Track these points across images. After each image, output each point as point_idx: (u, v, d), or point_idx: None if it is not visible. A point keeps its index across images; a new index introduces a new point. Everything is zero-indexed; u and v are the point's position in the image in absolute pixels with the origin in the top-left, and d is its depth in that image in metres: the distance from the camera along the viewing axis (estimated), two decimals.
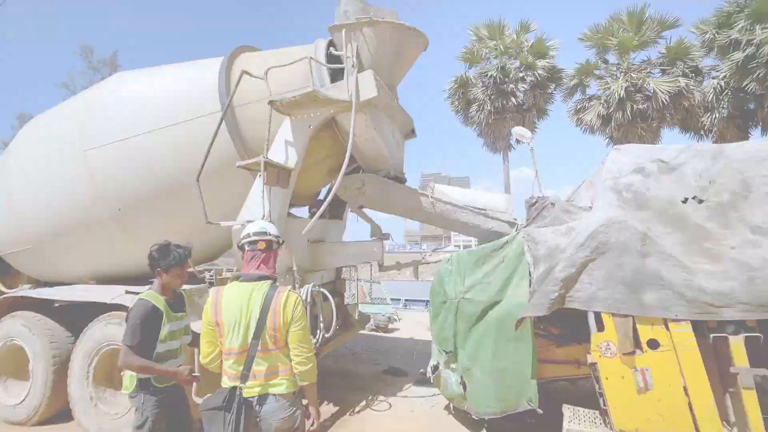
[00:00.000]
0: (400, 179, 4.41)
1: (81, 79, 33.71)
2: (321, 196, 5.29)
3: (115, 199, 3.98)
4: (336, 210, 5.02)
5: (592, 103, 17.75)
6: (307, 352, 2.24)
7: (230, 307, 2.19)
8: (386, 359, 6.21)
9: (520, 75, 18.59)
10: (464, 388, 3.63)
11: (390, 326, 8.15)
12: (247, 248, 2.34)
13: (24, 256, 4.93)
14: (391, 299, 9.99)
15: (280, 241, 2.44)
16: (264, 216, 3.59)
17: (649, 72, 17.17)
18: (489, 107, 18.91)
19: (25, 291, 4.44)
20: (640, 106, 16.46)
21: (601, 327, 2.69)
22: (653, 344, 2.54)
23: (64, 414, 4.17)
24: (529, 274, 3.23)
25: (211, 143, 3.51)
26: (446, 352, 3.76)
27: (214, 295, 2.28)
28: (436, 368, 3.99)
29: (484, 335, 3.42)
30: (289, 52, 4.25)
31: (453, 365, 3.75)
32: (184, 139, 3.82)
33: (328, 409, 4.44)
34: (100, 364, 3.93)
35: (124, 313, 3.65)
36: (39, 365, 4.18)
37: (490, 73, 18.64)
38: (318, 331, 4.03)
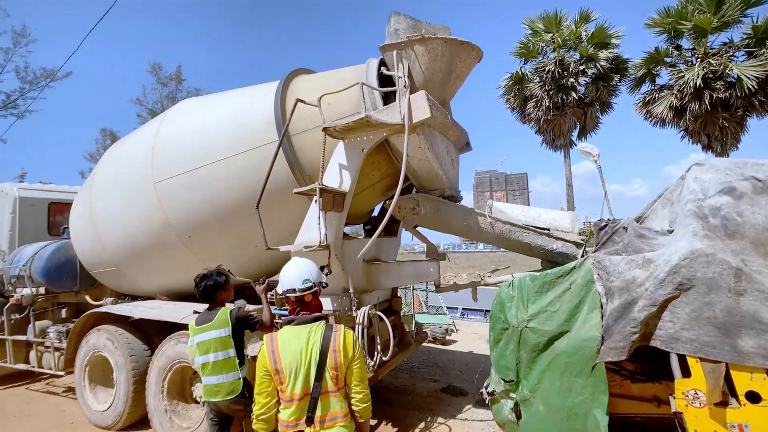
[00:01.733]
0: (456, 198, 4.28)
1: (152, 95, 36.58)
2: (375, 212, 5.29)
3: (185, 226, 4.23)
4: (390, 226, 4.98)
5: (663, 93, 16.36)
6: (366, 389, 2.25)
7: (289, 351, 2.17)
8: (444, 376, 6.09)
9: (581, 68, 17.55)
10: (518, 416, 3.45)
11: (447, 338, 8.00)
12: (293, 299, 2.36)
13: (107, 275, 5.39)
14: (448, 308, 9.79)
15: (324, 284, 2.49)
16: (320, 240, 3.63)
17: (732, 56, 15.52)
18: (547, 103, 18.05)
19: (107, 307, 4.84)
20: (721, 95, 14.92)
21: (686, 372, 2.41)
22: (754, 397, 2.24)
23: (146, 421, 4.48)
24: (601, 306, 2.99)
25: (269, 173, 3.61)
26: (506, 381, 3.59)
27: (268, 342, 2.25)
28: (492, 393, 3.83)
29: (549, 367, 3.22)
30: (342, 74, 4.27)
31: (512, 394, 3.58)
32: (245, 168, 3.96)
33: (386, 430, 4.42)
34: (173, 379, 4.19)
35: None
36: (121, 376, 4.54)
37: (547, 68, 17.79)
38: (375, 353, 4.03)
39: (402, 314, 5.43)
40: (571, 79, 17.61)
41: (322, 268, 3.86)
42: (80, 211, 5.26)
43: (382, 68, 4.11)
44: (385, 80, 4.05)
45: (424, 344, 7.82)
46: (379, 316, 3.99)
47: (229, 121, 4.08)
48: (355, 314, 3.89)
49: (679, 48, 16.59)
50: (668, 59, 16.86)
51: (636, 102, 17.56)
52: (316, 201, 3.59)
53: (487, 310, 10.58)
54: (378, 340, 4.04)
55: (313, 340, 2.19)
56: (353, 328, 3.89)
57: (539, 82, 18.40)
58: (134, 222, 4.47)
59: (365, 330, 3.83)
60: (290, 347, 2.18)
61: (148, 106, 35.02)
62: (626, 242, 3.04)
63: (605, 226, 3.22)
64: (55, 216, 7.18)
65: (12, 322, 5.95)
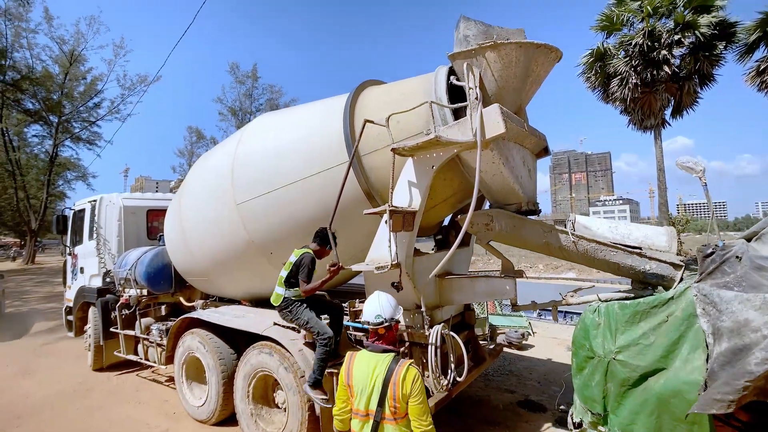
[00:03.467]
0: (534, 211, 4.02)
1: (231, 93, 39.05)
2: (446, 221, 5.16)
3: (266, 245, 4.48)
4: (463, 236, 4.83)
5: None
6: (425, 425, 2.38)
7: (359, 373, 2.48)
8: (521, 387, 5.87)
9: (675, 38, 15.58)
10: None
11: (524, 342, 7.70)
12: (370, 329, 2.67)
13: (197, 281, 5.89)
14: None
15: (397, 320, 2.74)
16: (391, 260, 3.61)
17: None
18: (634, 80, 16.34)
19: (197, 313, 5.29)
20: None
21: None
22: None
23: (235, 418, 4.83)
24: (706, 346, 2.65)
25: (339, 195, 3.65)
26: (593, 413, 3.35)
27: (348, 360, 2.60)
28: (579, 425, 3.59)
29: (642, 407, 2.93)
30: (410, 86, 4.17)
31: (601, 428, 3.33)
32: (319, 188, 4.06)
33: None
34: (257, 385, 4.48)
35: (273, 345, 4.10)
36: (212, 377, 4.95)
37: (634, 41, 16.04)
38: (449, 372, 3.97)
39: (476, 317, 5.28)
40: (663, 52, 15.73)
41: (393, 284, 3.91)
42: (172, 225, 5.77)
43: (452, 77, 3.93)
44: (455, 90, 3.88)
45: None
46: (453, 336, 3.90)
47: (301, 142, 4.18)
48: (427, 333, 3.84)
49: None
50: None
51: (747, 71, 15.31)
52: (386, 222, 3.56)
53: (566, 312, 10.02)
54: (452, 358, 3.97)
55: (379, 371, 2.43)
56: (426, 347, 3.88)
57: (625, 57, 16.69)
58: (219, 240, 4.81)
59: (438, 350, 3.78)
60: (361, 369, 2.49)
61: (228, 104, 37.61)
62: (740, 274, 2.64)
63: (712, 252, 2.82)
64: (153, 222, 7.98)
65: (123, 317, 6.75)
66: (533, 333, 8.18)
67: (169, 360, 5.69)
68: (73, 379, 6.92)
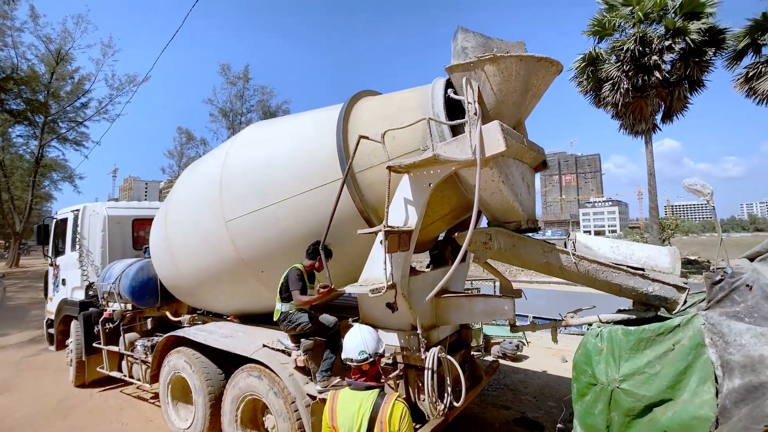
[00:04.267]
0: (534, 229, 3.90)
1: (222, 94, 38.64)
2: (441, 236, 5.02)
3: (257, 263, 4.30)
4: (457, 254, 4.70)
5: None
6: None
7: (344, 413, 2.38)
8: (517, 402, 5.76)
9: (666, 43, 15.68)
10: None
11: (518, 353, 7.60)
12: (352, 366, 2.55)
13: (183, 296, 5.68)
14: (518, 316, 9.29)
15: (382, 354, 2.64)
16: (386, 281, 3.46)
17: None
18: (626, 85, 16.42)
19: (183, 332, 5.08)
20: None
21: None
22: None
23: None
24: (715, 379, 2.54)
25: (332, 215, 3.51)
26: None
27: (330, 400, 2.50)
28: None
29: None
30: (406, 99, 4.02)
31: None
32: (312, 205, 3.90)
33: None
34: (246, 408, 4.30)
35: (263, 368, 3.93)
36: (199, 398, 4.75)
37: (625, 46, 16.11)
38: (446, 395, 3.82)
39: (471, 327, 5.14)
40: (654, 57, 15.83)
41: (388, 305, 3.76)
42: (158, 239, 5.55)
43: (449, 90, 3.79)
44: (452, 102, 3.74)
45: (493, 358, 7.50)
46: (450, 360, 3.76)
47: (292, 156, 4.00)
48: (423, 356, 3.70)
49: None
50: None
51: (735, 78, 15.44)
52: (381, 242, 3.41)
53: (561, 320, 9.96)
54: (448, 381, 3.83)
55: (364, 409, 2.34)
56: (422, 369, 3.74)
57: (616, 62, 16.77)
58: (208, 257, 4.61)
59: (435, 374, 3.64)
60: (346, 408, 2.39)
61: (219, 105, 37.18)
62: (751, 304, 2.54)
63: (721, 279, 2.71)
64: (139, 231, 7.73)
65: (106, 332, 6.50)
66: (527, 343, 8.09)
67: (154, 379, 5.47)
68: (54, 397, 6.66)
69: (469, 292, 9.18)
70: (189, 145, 38.88)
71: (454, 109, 3.74)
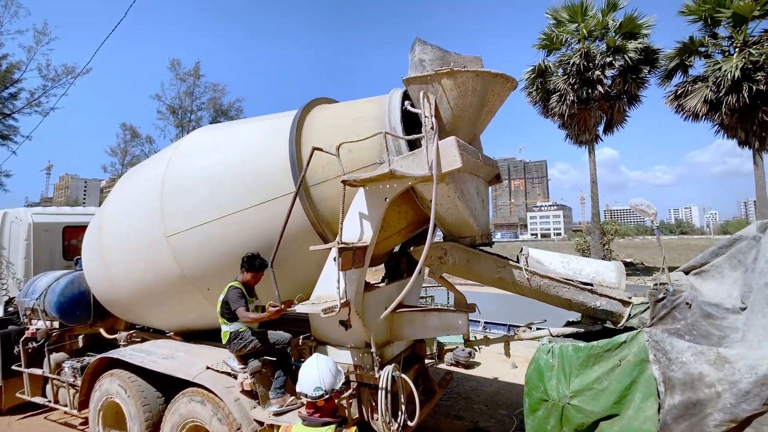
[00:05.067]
0: (488, 243, 3.92)
1: (171, 90, 36.70)
2: (396, 249, 4.95)
3: (202, 280, 4.01)
4: (413, 267, 4.65)
5: (696, 86, 15.46)
6: None
7: None
8: (469, 411, 5.80)
9: (607, 60, 16.69)
10: None
11: (471, 360, 7.68)
12: (307, 402, 2.41)
13: (120, 312, 5.23)
14: (470, 321, 9.43)
15: (339, 389, 2.49)
16: (339, 299, 3.32)
17: None
18: (572, 97, 17.27)
19: (118, 353, 4.65)
20: (762, 87, 13.97)
21: None
22: None
23: None
24: (658, 395, 2.64)
25: (282, 231, 3.34)
26: None
27: None
28: None
29: None
30: (362, 109, 3.92)
31: None
32: (263, 219, 3.68)
33: None
34: None
35: (205, 392, 3.67)
36: (134, 425, 4.35)
37: (572, 60, 16.97)
38: (399, 413, 3.74)
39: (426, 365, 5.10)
40: (597, 72, 16.80)
41: (341, 323, 3.62)
42: (91, 251, 5.06)
43: (406, 102, 3.73)
44: (409, 116, 3.68)
45: (446, 366, 7.55)
46: (404, 379, 3.69)
47: (241, 167, 3.76)
48: (377, 374, 3.59)
49: (715, 36, 15.60)
50: (702, 49, 15.89)
51: (667, 95, 16.67)
52: (335, 259, 3.28)
53: (511, 325, 10.22)
54: (402, 399, 3.76)
55: None
56: (376, 388, 3.63)
57: (563, 75, 17.62)
58: (148, 272, 4.24)
59: (388, 393, 3.54)
60: None
61: (167, 102, 35.25)
62: (690, 322, 2.65)
63: (663, 298, 2.83)
64: (71, 240, 7.06)
65: (28, 352, 5.86)
66: (479, 349, 8.22)
67: (83, 405, 4.97)
68: None
69: (424, 299, 9.25)
70: (134, 142, 36.57)
71: (410, 119, 3.68)
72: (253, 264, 3.68)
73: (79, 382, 5.09)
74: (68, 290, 5.59)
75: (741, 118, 14.96)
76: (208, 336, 4.70)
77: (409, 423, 3.69)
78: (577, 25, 17.29)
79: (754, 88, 14.10)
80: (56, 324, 5.74)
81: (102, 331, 5.79)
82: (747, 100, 14.22)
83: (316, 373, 2.39)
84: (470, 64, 3.65)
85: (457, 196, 3.45)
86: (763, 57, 13.84)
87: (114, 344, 5.46)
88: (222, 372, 3.83)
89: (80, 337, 6.02)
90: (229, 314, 3.71)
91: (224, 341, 3.82)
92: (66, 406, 5.45)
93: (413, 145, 3.54)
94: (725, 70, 14.16)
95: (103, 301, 5.38)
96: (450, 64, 3.57)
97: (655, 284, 2.95)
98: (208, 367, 3.90)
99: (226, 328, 3.77)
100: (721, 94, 14.72)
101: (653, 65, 16.92)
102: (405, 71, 3.72)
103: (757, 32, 14.82)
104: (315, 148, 3.36)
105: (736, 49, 14.71)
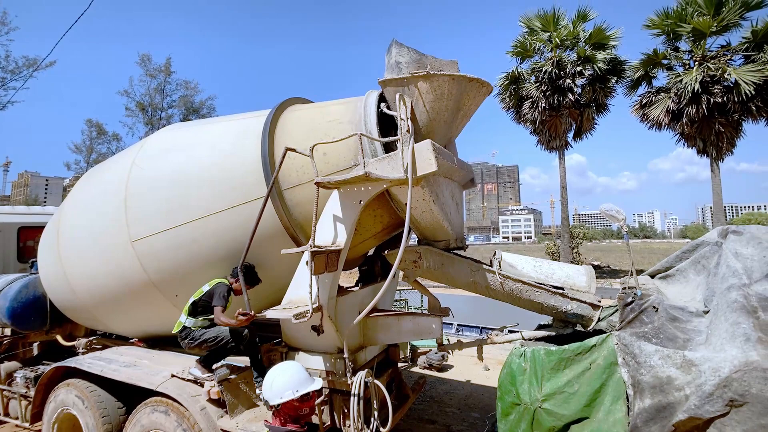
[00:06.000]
0: (462, 247, 3.93)
1: (140, 87, 35.45)
2: (370, 252, 4.90)
3: (170, 286, 3.83)
4: (387, 270, 4.61)
5: (660, 96, 16.14)
6: None
7: None
8: (442, 415, 5.79)
9: (578, 69, 17.21)
10: None
11: (444, 363, 7.70)
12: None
13: (79, 318, 4.95)
14: (443, 324, 9.48)
15: (275, 405, 2.42)
16: (311, 304, 3.24)
17: (730, 59, 15.28)
18: (543, 104, 17.72)
19: (75, 361, 4.39)
20: (718, 99, 14.70)
21: None
22: None
23: None
24: (627, 398, 2.68)
25: (251, 237, 3.24)
26: None
27: None
28: None
29: None
30: (336, 111, 3.85)
31: None
32: (234, 223, 3.55)
33: None
34: None
35: (170, 402, 3.51)
36: None
37: (544, 68, 17.42)
38: (372, 420, 3.68)
39: (400, 367, 5.07)
40: (568, 80, 17.29)
41: (313, 328, 3.54)
42: (48, 255, 4.75)
43: (382, 104, 3.69)
44: (385, 118, 3.65)
45: (419, 369, 7.54)
46: (378, 385, 3.63)
47: (210, 169, 3.60)
48: (350, 381, 3.53)
49: (677, 50, 16.32)
50: (666, 61, 16.60)
51: (632, 104, 17.32)
52: (307, 263, 3.20)
53: (483, 327, 10.33)
54: (375, 405, 3.70)
55: None
56: (348, 394, 3.57)
57: (535, 83, 18.04)
58: (111, 278, 4.01)
59: (361, 400, 3.48)
60: None
61: (136, 98, 34.03)
62: (657, 325, 2.72)
63: (632, 302, 2.89)
64: (26, 241, 6.66)
65: None
66: (452, 352, 8.24)
67: (36, 417, 4.68)
68: None
69: (398, 302, 9.23)
70: (100, 140, 35.08)
71: (385, 121, 3.65)
72: (253, 279, 3.61)
73: (32, 393, 4.79)
74: (22, 296, 5.25)
75: (700, 129, 15.70)
76: (174, 342, 4.51)
77: (381, 429, 3.64)
78: (549, 34, 17.75)
79: (712, 100, 14.82)
80: (8, 331, 5.40)
81: (59, 338, 5.48)
82: (705, 111, 14.94)
83: (269, 381, 2.43)
84: (446, 67, 3.64)
85: (432, 200, 3.43)
86: (719, 72, 14.57)
87: (72, 352, 5.18)
88: (187, 380, 3.68)
89: (35, 344, 5.69)
90: (202, 308, 3.59)
91: (175, 330, 3.74)
92: (17, 419, 5.12)
93: (389, 148, 3.50)
94: (686, 83, 14.83)
95: (61, 307, 5.09)
96: (426, 67, 3.55)
97: (624, 288, 3.01)
98: (173, 375, 3.74)
99: (183, 320, 3.68)
100: (682, 105, 15.40)
101: (620, 75, 17.56)
102: (381, 72, 3.69)
103: (715, 47, 15.60)
104: (288, 149, 3.27)
105: (696, 63, 15.44)
